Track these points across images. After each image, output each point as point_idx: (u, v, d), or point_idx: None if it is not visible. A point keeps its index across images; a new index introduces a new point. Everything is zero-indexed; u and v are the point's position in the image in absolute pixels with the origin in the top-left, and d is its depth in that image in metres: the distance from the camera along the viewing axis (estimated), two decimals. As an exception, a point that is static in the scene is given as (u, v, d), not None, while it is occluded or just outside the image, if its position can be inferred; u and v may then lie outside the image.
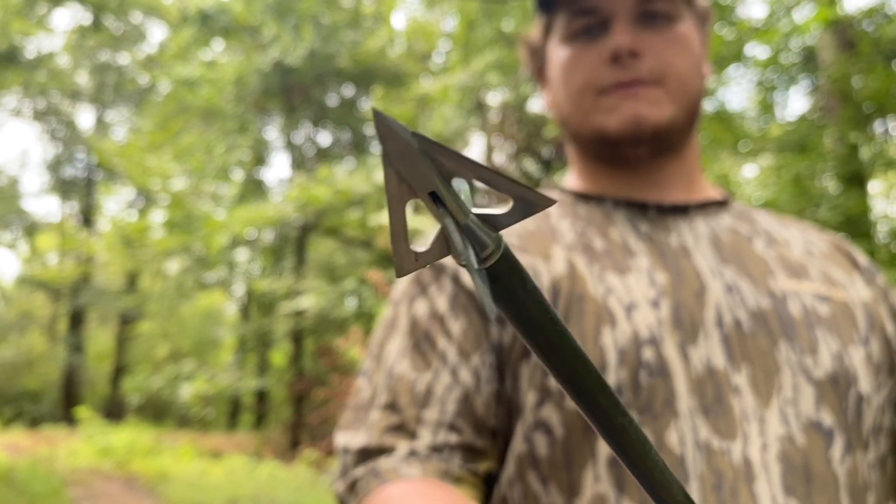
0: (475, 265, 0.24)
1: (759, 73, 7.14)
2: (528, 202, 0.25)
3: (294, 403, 12.38)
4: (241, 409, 17.87)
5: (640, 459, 0.30)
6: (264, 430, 14.46)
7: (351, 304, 10.80)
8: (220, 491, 7.40)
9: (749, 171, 8.40)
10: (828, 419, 0.69)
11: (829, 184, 6.04)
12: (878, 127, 6.22)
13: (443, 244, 0.26)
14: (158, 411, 17.55)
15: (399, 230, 0.25)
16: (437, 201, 0.24)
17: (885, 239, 5.93)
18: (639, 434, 0.30)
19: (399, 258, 0.26)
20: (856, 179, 5.65)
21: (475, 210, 0.25)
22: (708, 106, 7.37)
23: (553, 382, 0.70)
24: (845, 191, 5.58)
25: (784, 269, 0.79)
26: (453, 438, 0.70)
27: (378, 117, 0.23)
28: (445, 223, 0.24)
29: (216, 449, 11.82)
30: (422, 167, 0.24)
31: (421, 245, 0.26)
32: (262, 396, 15.93)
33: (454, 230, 0.24)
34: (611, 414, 0.29)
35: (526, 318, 0.26)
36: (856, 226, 5.34)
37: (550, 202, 0.25)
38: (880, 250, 5.54)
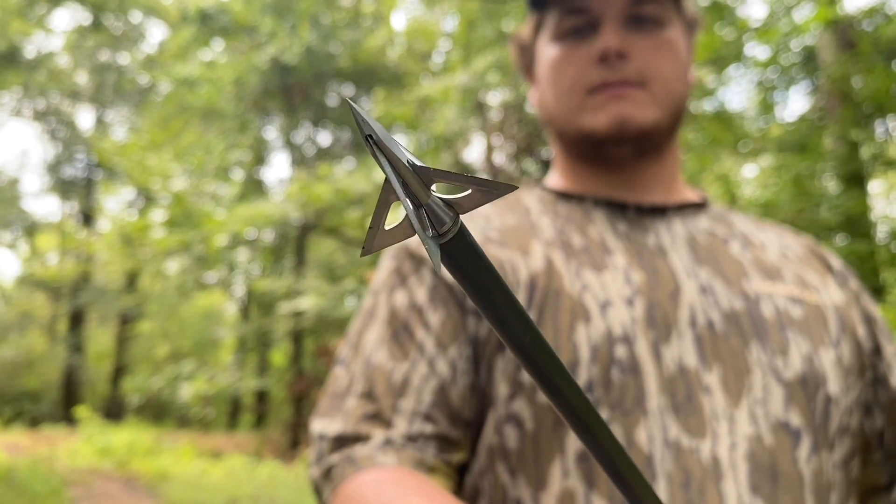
0: (429, 235, 0.27)
1: (759, 73, 7.14)
2: (486, 191, 0.27)
3: (294, 403, 12.38)
4: (241, 409, 17.89)
5: (582, 414, 0.32)
6: (264, 430, 14.47)
7: (351, 304, 10.79)
8: (220, 491, 7.40)
9: (749, 171, 8.40)
10: (796, 420, 0.70)
11: (829, 184, 6.04)
12: (878, 127, 6.22)
13: (409, 225, 0.28)
14: (158, 411, 17.57)
15: (379, 211, 0.27)
16: (401, 183, 0.27)
17: (885, 239, 5.92)
18: (586, 403, 0.32)
19: (369, 237, 0.28)
20: (856, 179, 5.65)
21: (436, 194, 0.27)
22: (708, 106, 7.37)
23: (526, 377, 0.71)
24: (845, 191, 5.58)
25: (758, 271, 0.79)
26: (428, 428, 0.71)
27: (352, 109, 0.25)
28: (406, 202, 0.26)
29: (216, 449, 11.83)
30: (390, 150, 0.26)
31: (390, 225, 0.28)
32: (262, 396, 15.94)
33: (415, 209, 0.27)
34: (558, 381, 0.31)
35: (479, 287, 0.29)
36: (856, 226, 5.34)
37: (510, 188, 0.27)
38: (880, 250, 5.53)
